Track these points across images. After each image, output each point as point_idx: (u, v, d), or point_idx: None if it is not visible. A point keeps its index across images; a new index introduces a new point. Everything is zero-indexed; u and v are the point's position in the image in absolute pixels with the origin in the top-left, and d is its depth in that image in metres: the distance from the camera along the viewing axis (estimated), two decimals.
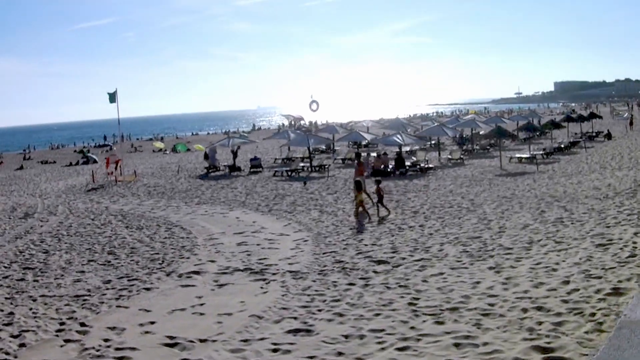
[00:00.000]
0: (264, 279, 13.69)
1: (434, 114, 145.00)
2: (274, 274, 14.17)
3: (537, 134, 56.07)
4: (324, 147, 53.18)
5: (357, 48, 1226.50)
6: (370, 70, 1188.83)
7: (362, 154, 40.01)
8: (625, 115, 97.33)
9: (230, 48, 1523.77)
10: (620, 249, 13.35)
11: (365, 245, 16.82)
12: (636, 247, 13.14)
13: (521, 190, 26.45)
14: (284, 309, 11.25)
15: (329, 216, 22.40)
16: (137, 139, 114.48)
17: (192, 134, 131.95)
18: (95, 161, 65.65)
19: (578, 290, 10.64)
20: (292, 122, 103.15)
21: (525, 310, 9.92)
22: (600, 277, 11.27)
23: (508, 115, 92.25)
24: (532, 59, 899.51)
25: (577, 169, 33.54)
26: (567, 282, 11.22)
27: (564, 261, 12.99)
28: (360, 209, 21.43)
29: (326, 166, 39.90)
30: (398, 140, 40.60)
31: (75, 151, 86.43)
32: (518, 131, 51.67)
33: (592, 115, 63.35)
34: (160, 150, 79.70)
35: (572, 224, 17.43)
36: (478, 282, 11.95)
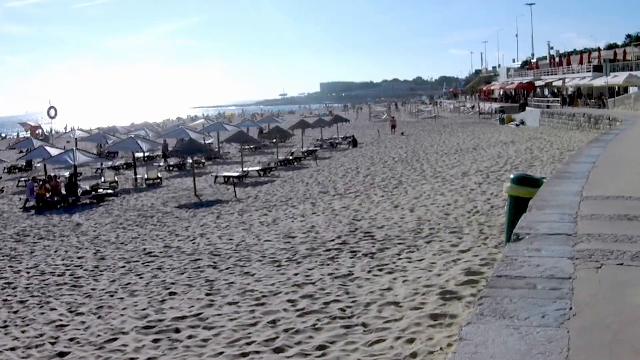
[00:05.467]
0: None
1: (188, 118, 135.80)
2: None
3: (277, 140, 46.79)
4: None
5: (128, 50, 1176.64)
6: (140, 73, 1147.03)
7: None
8: (384, 117, 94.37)
9: None
10: None
11: None
12: None
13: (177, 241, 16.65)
14: None
15: None
16: None
17: None
18: None
19: None
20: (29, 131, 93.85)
21: None
22: None
23: (230, 121, 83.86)
24: (298, 60, 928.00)
25: (286, 192, 24.50)
26: None
27: None
28: None
29: None
30: (69, 160, 28.76)
31: None
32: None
33: (338, 119, 56.16)
34: None
35: None
36: None
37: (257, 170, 33.54)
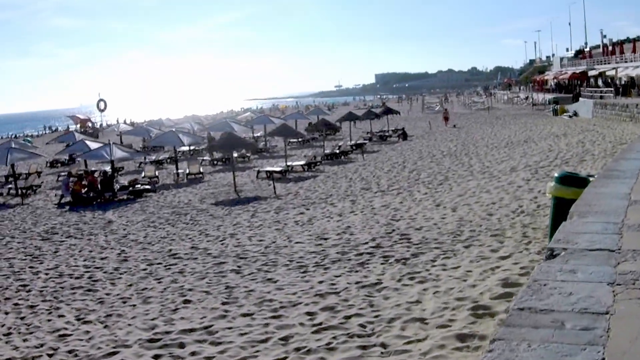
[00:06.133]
0: None
1: (241, 110, 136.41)
2: None
3: (324, 133, 45.74)
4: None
5: (182, 42, 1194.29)
6: (195, 65, 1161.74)
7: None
8: (437, 108, 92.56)
9: (52, 45, 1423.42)
10: None
11: None
12: None
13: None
14: None
15: None
16: None
17: None
18: None
19: None
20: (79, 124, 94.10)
21: None
22: None
23: (283, 113, 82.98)
24: (353, 51, 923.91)
25: (312, 192, 23.64)
26: None
27: None
28: None
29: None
30: (105, 155, 28.56)
31: None
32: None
33: (388, 111, 54.96)
34: None
35: None
36: None
37: (301, 165, 32.67)
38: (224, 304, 11.14)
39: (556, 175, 11.12)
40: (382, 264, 12.50)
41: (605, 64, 71.15)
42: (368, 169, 30.50)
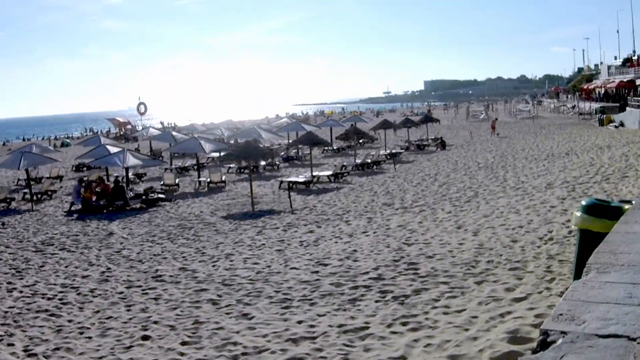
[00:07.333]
0: None
1: (287, 115, 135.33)
2: None
3: (356, 142, 43.63)
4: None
5: (229, 47, 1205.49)
6: (242, 70, 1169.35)
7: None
8: (482, 117, 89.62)
9: (100, 47, 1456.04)
10: None
11: None
12: None
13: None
14: None
15: None
16: None
17: (24, 139, 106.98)
18: None
19: None
20: (119, 128, 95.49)
21: None
22: None
23: (317, 120, 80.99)
24: (402, 57, 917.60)
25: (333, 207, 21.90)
26: None
27: None
28: None
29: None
30: (118, 162, 27.26)
31: None
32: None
33: (427, 119, 52.81)
34: None
35: None
36: None
37: (328, 176, 30.86)
38: (183, 343, 9.53)
39: (583, 203, 9.14)
40: (376, 301, 10.65)
41: None
42: (397, 181, 28.55)
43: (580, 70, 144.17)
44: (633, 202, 9.58)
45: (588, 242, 8.16)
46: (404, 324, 9.33)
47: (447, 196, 22.40)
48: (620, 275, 5.37)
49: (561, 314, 4.51)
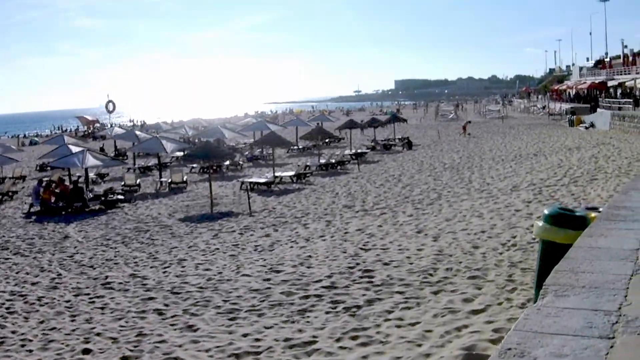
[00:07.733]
0: None
1: (257, 113, 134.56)
2: None
3: (320, 142, 43.12)
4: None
5: (204, 45, 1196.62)
6: (216, 67, 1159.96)
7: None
8: (451, 116, 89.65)
9: (75, 44, 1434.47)
10: None
11: None
12: None
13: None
14: None
15: None
16: None
17: None
18: None
19: None
20: (87, 126, 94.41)
21: None
22: None
23: (285, 119, 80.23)
24: (373, 57, 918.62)
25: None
26: None
27: None
28: None
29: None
30: (77, 162, 26.27)
31: None
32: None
33: (395, 119, 52.44)
34: None
35: None
36: None
37: (290, 176, 30.21)
38: (123, 358, 8.82)
39: (545, 212, 8.60)
40: (327, 312, 10.04)
41: (625, 74, 68.09)
42: (360, 182, 28.01)
43: (551, 71, 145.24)
44: (600, 209, 9.09)
45: (550, 254, 7.67)
46: (353, 338, 8.74)
47: (410, 198, 21.90)
48: (580, 299, 4.81)
49: (509, 349, 3.93)
